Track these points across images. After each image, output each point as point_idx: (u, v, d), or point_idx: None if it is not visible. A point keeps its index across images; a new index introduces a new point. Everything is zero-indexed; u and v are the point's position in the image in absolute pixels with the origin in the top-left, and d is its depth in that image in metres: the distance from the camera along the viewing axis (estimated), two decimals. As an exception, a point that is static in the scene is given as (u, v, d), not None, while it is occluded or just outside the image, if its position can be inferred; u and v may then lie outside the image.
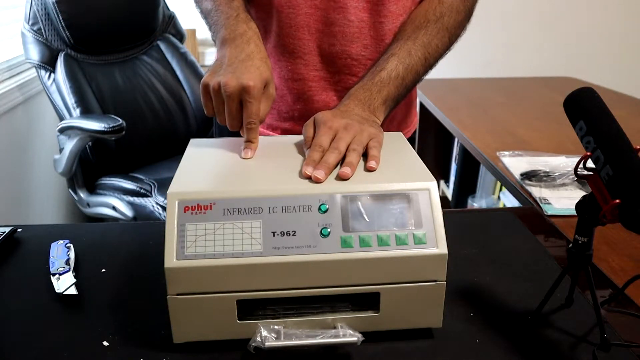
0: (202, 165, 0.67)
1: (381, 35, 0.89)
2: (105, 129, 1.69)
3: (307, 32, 0.88)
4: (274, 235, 0.57)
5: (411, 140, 1.13)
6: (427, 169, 0.64)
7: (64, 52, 1.89)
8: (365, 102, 0.79)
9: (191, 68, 2.15)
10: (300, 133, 0.74)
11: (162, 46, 2.16)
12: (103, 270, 0.76)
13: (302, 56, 0.90)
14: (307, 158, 0.66)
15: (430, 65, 0.87)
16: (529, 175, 1.15)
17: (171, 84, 2.12)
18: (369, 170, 0.64)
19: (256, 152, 0.71)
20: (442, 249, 0.58)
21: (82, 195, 1.94)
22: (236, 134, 0.74)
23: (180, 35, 2.23)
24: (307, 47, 0.89)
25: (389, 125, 1.03)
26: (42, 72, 1.88)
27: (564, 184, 1.11)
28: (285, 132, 0.98)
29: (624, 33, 2.90)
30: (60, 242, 0.80)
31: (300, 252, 0.57)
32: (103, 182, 1.93)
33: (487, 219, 0.91)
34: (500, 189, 1.76)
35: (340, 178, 0.62)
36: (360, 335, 0.57)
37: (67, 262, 0.75)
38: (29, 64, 1.92)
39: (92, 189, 1.96)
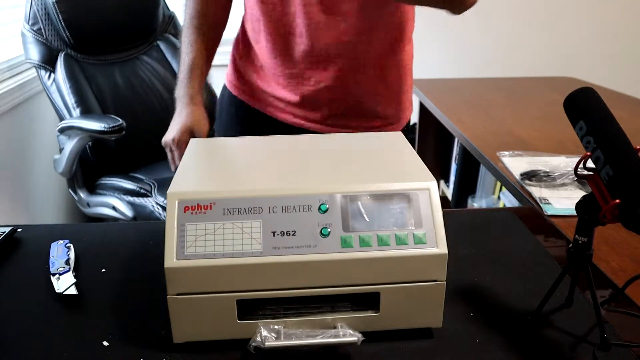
0: (202, 165, 0.67)
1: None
2: (105, 129, 1.69)
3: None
4: (274, 235, 0.57)
5: (404, 132, 1.14)
6: (427, 169, 0.64)
7: (64, 52, 1.90)
8: None
9: (191, 68, 2.15)
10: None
11: (162, 46, 2.16)
12: (103, 270, 0.76)
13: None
14: None
15: None
16: (529, 175, 1.15)
17: (171, 84, 2.12)
18: None
19: (255, 152, 0.71)
20: (442, 248, 0.58)
21: (82, 195, 1.94)
22: (236, 134, 0.75)
23: (180, 35, 2.23)
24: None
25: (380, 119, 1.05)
26: (42, 72, 1.88)
27: (564, 184, 1.11)
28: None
29: (624, 33, 2.90)
30: (60, 242, 0.80)
31: (300, 252, 0.57)
32: (103, 182, 1.93)
33: (487, 219, 0.91)
34: (500, 189, 1.76)
35: None
36: (360, 335, 0.57)
37: (67, 262, 0.75)
38: (29, 64, 1.92)
39: (92, 189, 1.96)
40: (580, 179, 0.66)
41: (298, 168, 0.66)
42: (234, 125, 1.11)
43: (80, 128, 1.75)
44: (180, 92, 1.05)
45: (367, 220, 0.58)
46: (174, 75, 2.13)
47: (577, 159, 0.58)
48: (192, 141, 0.75)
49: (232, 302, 0.58)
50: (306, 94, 1.02)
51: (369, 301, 0.60)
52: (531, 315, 0.65)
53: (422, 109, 2.18)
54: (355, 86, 1.02)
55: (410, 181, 0.60)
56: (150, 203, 1.81)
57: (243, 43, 1.08)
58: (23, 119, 1.98)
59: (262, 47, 1.03)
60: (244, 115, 1.09)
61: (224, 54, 1.14)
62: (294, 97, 1.03)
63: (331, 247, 0.57)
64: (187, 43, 1.05)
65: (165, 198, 1.45)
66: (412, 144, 1.12)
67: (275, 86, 1.04)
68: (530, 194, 1.08)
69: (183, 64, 1.06)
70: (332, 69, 1.00)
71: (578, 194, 1.08)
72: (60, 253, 0.77)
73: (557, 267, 0.76)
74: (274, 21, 0.98)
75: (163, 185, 1.85)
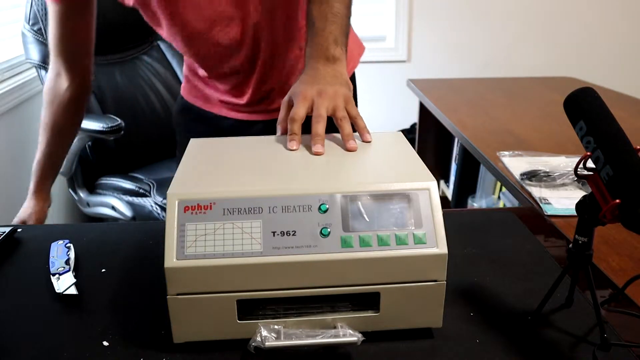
0: (202, 165, 0.67)
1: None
2: (104, 129, 1.69)
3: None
4: (274, 235, 0.57)
5: (352, 77, 1.18)
6: (427, 169, 0.64)
7: (64, 52, 1.89)
8: (322, 54, 0.83)
9: (191, 68, 2.15)
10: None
11: (163, 46, 2.16)
12: (103, 270, 0.76)
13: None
14: (289, 133, 0.73)
15: None
16: (529, 175, 1.15)
17: (171, 84, 2.12)
18: (364, 140, 0.74)
19: (255, 152, 0.71)
20: (442, 248, 0.58)
21: (82, 195, 1.94)
22: (236, 134, 0.76)
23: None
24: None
25: None
26: (42, 72, 1.88)
27: (564, 184, 1.11)
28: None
29: (624, 33, 2.90)
30: (60, 242, 0.80)
31: (300, 252, 0.57)
32: (103, 182, 1.93)
33: (487, 219, 0.91)
34: (500, 189, 1.76)
35: (350, 151, 0.70)
36: (360, 335, 0.57)
37: (67, 262, 0.75)
38: (29, 64, 1.91)
39: (92, 189, 1.96)
40: (580, 179, 0.66)
41: (298, 168, 0.66)
42: (192, 127, 1.23)
43: (80, 128, 1.75)
44: (30, 183, 1.24)
45: (367, 220, 0.58)
46: (174, 75, 2.13)
47: (577, 159, 0.58)
48: (192, 141, 0.75)
49: (232, 302, 0.58)
50: (246, 94, 1.12)
51: (369, 301, 0.60)
52: (531, 315, 0.65)
53: (422, 109, 2.18)
54: (278, 70, 1.08)
55: (410, 181, 0.60)
56: (148, 203, 1.81)
57: (189, 61, 1.21)
58: (23, 119, 1.98)
59: (200, 68, 1.14)
60: (199, 118, 1.20)
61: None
62: (239, 100, 1.13)
63: (331, 247, 0.57)
64: (40, 141, 1.18)
65: (164, 198, 1.45)
66: (412, 144, 1.13)
67: (223, 91, 1.15)
68: (530, 194, 1.08)
69: (35, 158, 1.19)
70: (256, 65, 1.07)
71: (578, 194, 1.08)
72: (60, 253, 0.77)
73: (557, 267, 0.76)
74: (195, 52, 1.09)
75: (162, 186, 1.85)
